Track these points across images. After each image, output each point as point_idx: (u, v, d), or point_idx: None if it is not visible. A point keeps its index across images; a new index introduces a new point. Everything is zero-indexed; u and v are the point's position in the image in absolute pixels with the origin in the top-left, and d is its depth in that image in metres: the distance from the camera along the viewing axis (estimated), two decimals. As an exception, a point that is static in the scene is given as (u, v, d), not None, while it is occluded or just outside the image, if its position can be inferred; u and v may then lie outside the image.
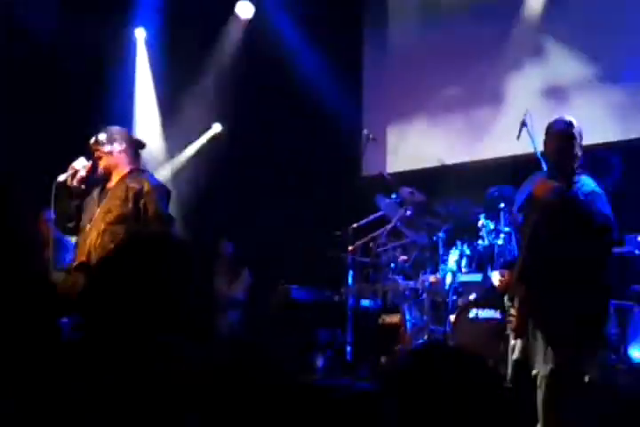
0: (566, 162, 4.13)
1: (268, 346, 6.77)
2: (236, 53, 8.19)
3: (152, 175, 4.64)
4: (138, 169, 4.57)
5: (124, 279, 1.91)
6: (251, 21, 8.28)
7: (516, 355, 4.11)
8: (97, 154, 4.53)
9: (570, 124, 4.17)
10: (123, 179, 4.48)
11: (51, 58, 7.64)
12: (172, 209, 7.29)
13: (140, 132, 7.93)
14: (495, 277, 4.36)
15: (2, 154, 6.83)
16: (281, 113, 8.12)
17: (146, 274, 1.93)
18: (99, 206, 4.46)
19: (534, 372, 3.99)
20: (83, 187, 4.56)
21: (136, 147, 4.65)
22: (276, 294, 7.15)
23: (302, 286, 7.18)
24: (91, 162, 4.53)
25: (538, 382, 3.95)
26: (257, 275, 7.58)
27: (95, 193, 4.58)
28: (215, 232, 7.64)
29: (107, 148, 4.51)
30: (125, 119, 7.83)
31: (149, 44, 8.13)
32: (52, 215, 4.57)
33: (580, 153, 4.16)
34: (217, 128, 8.38)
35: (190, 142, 8.37)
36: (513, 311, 4.18)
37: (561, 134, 4.15)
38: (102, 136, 4.53)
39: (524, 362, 4.06)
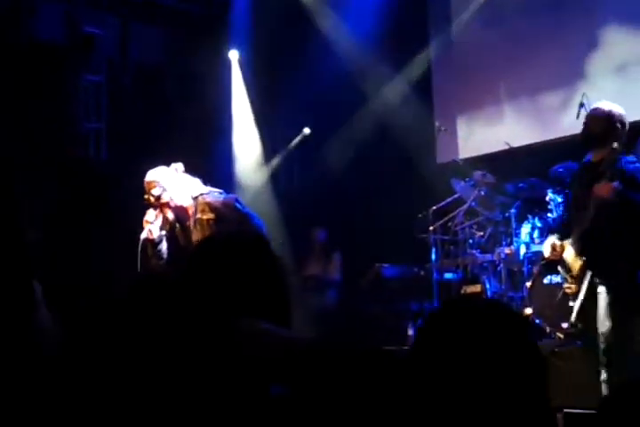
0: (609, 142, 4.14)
1: (364, 319, 6.95)
2: (315, 63, 8.33)
3: (209, 194, 4.52)
4: (195, 197, 4.47)
5: (210, 269, 1.83)
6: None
7: (573, 317, 4.13)
8: (161, 207, 4.51)
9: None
10: (195, 215, 4.42)
11: (154, 81, 7.96)
12: (272, 204, 7.61)
13: (237, 141, 8.27)
14: (547, 250, 4.34)
15: (116, 171, 7.17)
16: (363, 114, 8.24)
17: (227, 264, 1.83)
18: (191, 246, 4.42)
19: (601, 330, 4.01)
20: (163, 232, 4.53)
21: (179, 175, 4.54)
22: (370, 273, 7.29)
23: (392, 265, 7.30)
24: (156, 209, 4.47)
25: (601, 340, 3.98)
26: (351, 257, 7.71)
27: (179, 232, 4.56)
28: (310, 222, 7.80)
29: (165, 197, 4.46)
30: (226, 131, 8.14)
31: (242, 64, 8.34)
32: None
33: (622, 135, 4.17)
34: (306, 131, 8.54)
35: (284, 145, 8.56)
36: (568, 279, 4.21)
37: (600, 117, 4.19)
38: (155, 191, 4.44)
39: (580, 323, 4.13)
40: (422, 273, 6.99)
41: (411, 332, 6.51)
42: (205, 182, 4.67)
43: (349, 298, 7.41)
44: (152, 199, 4.47)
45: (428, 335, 1.40)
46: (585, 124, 4.27)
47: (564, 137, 7.08)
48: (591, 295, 4.02)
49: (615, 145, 4.11)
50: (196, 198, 4.47)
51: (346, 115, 8.27)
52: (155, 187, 4.46)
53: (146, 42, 8.06)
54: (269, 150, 8.40)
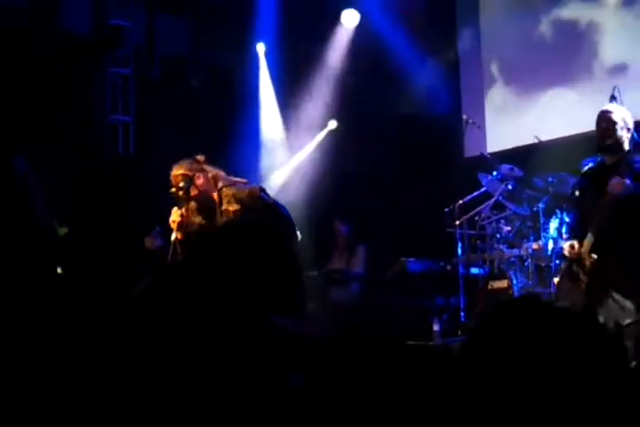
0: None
1: (388, 313, 6.90)
2: (343, 56, 8.28)
3: (235, 186, 4.51)
4: (220, 189, 4.47)
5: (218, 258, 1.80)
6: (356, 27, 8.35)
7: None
8: (188, 200, 4.47)
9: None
10: (221, 206, 4.42)
11: (181, 73, 7.97)
12: (299, 196, 7.58)
13: (265, 134, 8.25)
14: (566, 249, 4.44)
15: (140, 167, 7.18)
16: (388, 106, 8.18)
17: (239, 253, 1.79)
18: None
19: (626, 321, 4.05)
20: (188, 230, 4.48)
21: (203, 166, 4.54)
22: (395, 267, 7.23)
23: (417, 259, 7.24)
24: (180, 208, 4.45)
25: (626, 333, 3.99)
26: (377, 251, 7.66)
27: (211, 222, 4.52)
28: (336, 215, 7.76)
29: (192, 191, 4.44)
30: (252, 122, 8.11)
31: (269, 57, 8.32)
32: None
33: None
34: (332, 125, 8.50)
35: (310, 138, 8.53)
36: (582, 277, 4.29)
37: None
38: (182, 184, 4.43)
39: None
40: (448, 268, 6.92)
41: (436, 327, 6.44)
42: (230, 174, 4.66)
43: (374, 292, 7.36)
44: (179, 193, 4.45)
45: (486, 335, 1.32)
46: (602, 131, 4.39)
47: (594, 131, 6.97)
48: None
49: (627, 148, 4.35)
50: (220, 190, 4.46)
51: (373, 108, 8.22)
52: (181, 180, 4.45)
53: (173, 34, 8.06)
54: (296, 143, 8.38)
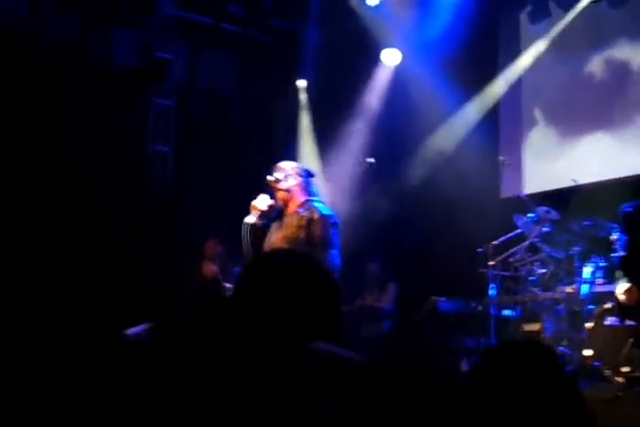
0: None
1: (418, 352, 6.86)
2: (383, 94, 8.37)
3: (321, 205, 4.81)
4: (309, 200, 4.79)
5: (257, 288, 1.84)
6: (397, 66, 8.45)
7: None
8: (275, 190, 4.82)
9: None
10: (297, 209, 4.74)
11: (223, 107, 8.12)
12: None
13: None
14: (622, 295, 4.24)
15: (182, 194, 7.29)
16: (424, 146, 8.24)
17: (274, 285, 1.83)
18: (276, 232, 4.75)
19: None
20: (265, 221, 4.84)
21: (307, 177, 4.89)
22: (425, 306, 7.21)
23: (449, 298, 7.21)
24: (271, 199, 4.79)
25: None
26: (409, 289, 7.64)
27: (276, 222, 4.85)
28: (370, 252, 7.77)
29: (283, 185, 4.77)
30: (291, 159, 8.18)
31: (309, 92, 8.44)
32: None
33: None
34: (370, 160, 8.52)
35: (347, 174, 8.58)
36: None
37: None
38: (279, 175, 4.79)
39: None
40: (480, 308, 6.86)
41: (465, 368, 6.39)
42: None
43: (404, 330, 7.33)
44: (272, 181, 4.78)
45: (482, 372, 1.50)
46: None
47: (633, 176, 6.94)
48: None
49: None
50: (308, 200, 4.77)
51: (410, 145, 8.27)
52: (279, 171, 4.80)
53: (216, 68, 8.24)
54: (333, 178, 8.43)
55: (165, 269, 6.72)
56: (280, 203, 4.80)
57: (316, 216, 4.63)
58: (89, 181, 6.94)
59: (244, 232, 4.73)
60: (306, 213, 4.65)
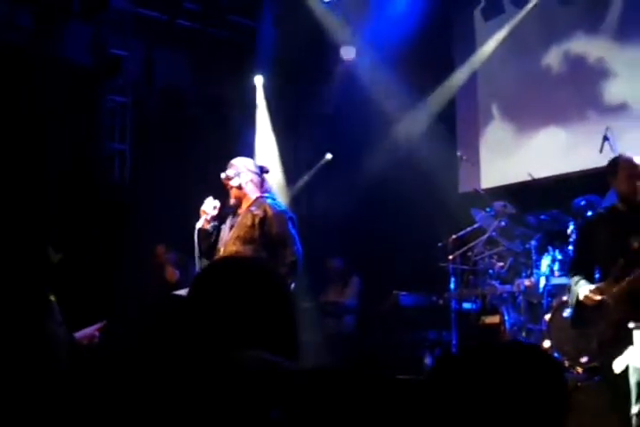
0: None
1: (380, 346, 6.92)
2: (339, 90, 8.40)
3: (274, 201, 4.79)
4: (262, 196, 4.75)
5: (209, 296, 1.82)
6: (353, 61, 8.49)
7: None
8: (228, 187, 4.79)
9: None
10: (249, 207, 4.70)
11: (179, 104, 8.06)
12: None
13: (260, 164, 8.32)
14: (588, 296, 4.28)
15: (139, 194, 7.22)
16: (385, 142, 8.28)
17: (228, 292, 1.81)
18: (230, 232, 4.70)
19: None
20: (216, 223, 4.81)
21: (261, 173, 4.85)
22: (387, 300, 7.27)
23: (410, 293, 7.29)
24: (217, 201, 4.76)
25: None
26: (370, 284, 7.70)
27: (228, 220, 4.82)
28: (331, 248, 7.81)
29: (235, 182, 4.74)
30: (248, 155, 8.16)
31: (266, 88, 8.42)
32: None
33: None
34: (328, 156, 8.58)
35: (306, 171, 8.60)
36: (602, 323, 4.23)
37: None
38: (231, 172, 4.76)
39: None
40: (441, 302, 6.95)
41: (427, 361, 6.47)
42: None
43: (366, 325, 7.39)
44: (224, 178, 4.76)
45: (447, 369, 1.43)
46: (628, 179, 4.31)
47: (587, 169, 7.08)
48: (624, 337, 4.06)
49: None
50: (260, 198, 4.73)
51: (368, 141, 8.31)
52: (232, 168, 4.77)
53: (171, 65, 8.17)
54: (291, 176, 8.44)
55: (122, 272, 6.66)
56: (234, 201, 4.78)
57: (269, 213, 4.60)
58: (44, 179, 6.83)
59: (195, 237, 4.73)
60: (258, 212, 4.61)
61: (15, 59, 6.83)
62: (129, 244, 6.84)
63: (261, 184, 4.80)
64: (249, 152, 8.22)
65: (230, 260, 2.19)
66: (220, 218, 4.83)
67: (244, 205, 4.74)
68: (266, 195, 4.78)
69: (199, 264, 4.77)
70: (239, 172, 4.75)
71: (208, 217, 4.73)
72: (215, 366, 1.66)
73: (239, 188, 4.73)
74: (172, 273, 6.81)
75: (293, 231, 4.66)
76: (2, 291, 3.37)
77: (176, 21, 7.98)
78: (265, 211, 4.61)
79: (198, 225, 4.73)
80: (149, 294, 6.61)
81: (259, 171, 4.84)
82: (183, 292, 4.92)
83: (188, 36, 8.15)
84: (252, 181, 4.76)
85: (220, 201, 4.82)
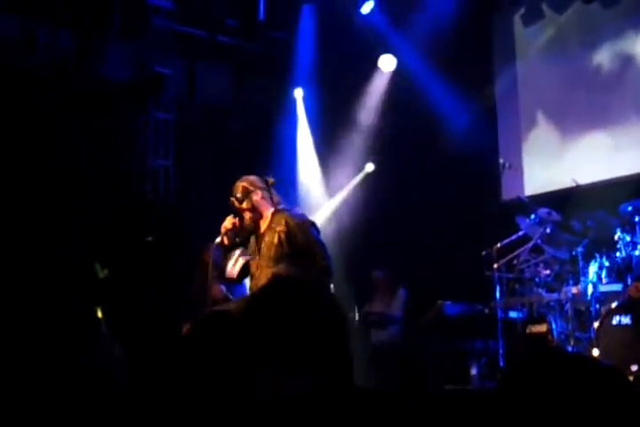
0: None
1: (426, 356, 6.89)
2: (381, 100, 8.43)
3: (291, 211, 4.66)
4: (277, 210, 4.60)
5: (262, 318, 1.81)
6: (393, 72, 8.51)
7: None
8: (240, 211, 4.62)
9: None
10: (270, 225, 4.55)
11: (221, 119, 8.18)
12: (336, 240, 7.66)
13: (302, 178, 8.39)
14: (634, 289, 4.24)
15: (183, 209, 7.32)
16: (427, 150, 8.28)
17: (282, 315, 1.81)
18: (259, 253, 4.56)
19: None
20: (237, 240, 4.68)
21: (268, 186, 4.66)
22: (432, 310, 7.25)
23: (455, 302, 7.25)
24: (236, 217, 4.59)
25: None
26: (415, 294, 7.67)
27: (252, 240, 4.69)
28: (376, 258, 7.81)
29: (247, 204, 4.58)
30: (290, 166, 8.26)
31: (307, 102, 8.49)
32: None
33: None
34: (370, 168, 8.60)
35: (347, 182, 8.63)
36: None
37: None
38: (239, 194, 4.58)
39: None
40: (486, 311, 6.90)
41: (474, 371, 6.42)
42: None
43: (412, 335, 7.36)
44: (235, 202, 4.60)
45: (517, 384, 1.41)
46: None
47: (633, 175, 6.99)
48: None
49: None
50: (276, 212, 4.59)
51: (409, 152, 8.32)
52: (241, 190, 4.60)
53: (212, 81, 8.30)
54: (334, 186, 8.49)
55: (165, 287, 6.73)
56: (249, 224, 4.61)
57: (291, 225, 4.47)
58: (91, 195, 6.98)
59: (211, 252, 4.66)
60: (281, 227, 4.47)
61: (59, 78, 7.01)
62: (173, 259, 6.94)
63: (271, 198, 4.65)
64: (291, 165, 8.32)
65: (284, 281, 2.18)
66: (236, 235, 4.69)
67: (263, 225, 4.60)
68: (280, 207, 4.65)
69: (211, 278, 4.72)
70: (248, 191, 4.60)
71: (228, 233, 4.61)
72: (265, 387, 1.67)
73: (252, 209, 4.58)
74: (218, 290, 6.86)
75: (318, 236, 4.56)
76: (48, 310, 3.42)
77: (216, 38, 8.11)
78: (286, 224, 4.49)
79: (217, 241, 4.63)
80: (197, 310, 6.67)
81: (265, 185, 4.67)
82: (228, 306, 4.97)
83: (228, 51, 8.27)
84: (262, 198, 4.60)
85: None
